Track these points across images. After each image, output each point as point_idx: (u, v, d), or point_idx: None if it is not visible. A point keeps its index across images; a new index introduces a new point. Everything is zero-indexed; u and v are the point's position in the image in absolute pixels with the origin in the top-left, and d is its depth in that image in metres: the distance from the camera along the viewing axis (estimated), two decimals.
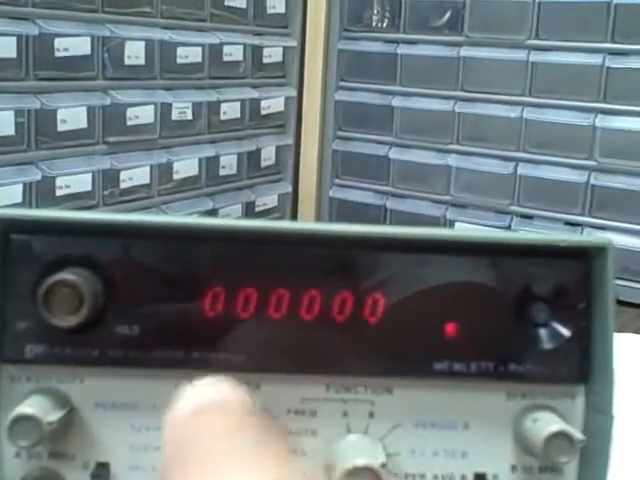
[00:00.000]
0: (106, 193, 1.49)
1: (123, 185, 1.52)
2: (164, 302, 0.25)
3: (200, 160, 1.69)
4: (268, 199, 1.91)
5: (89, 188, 1.45)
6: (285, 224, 0.26)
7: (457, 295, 0.26)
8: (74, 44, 1.38)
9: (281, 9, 1.84)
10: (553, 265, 0.26)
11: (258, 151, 1.85)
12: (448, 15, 1.75)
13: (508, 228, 1.71)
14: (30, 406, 0.24)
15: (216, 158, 1.73)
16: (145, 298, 0.25)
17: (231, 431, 0.20)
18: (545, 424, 0.25)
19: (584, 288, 0.26)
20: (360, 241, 0.26)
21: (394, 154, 1.85)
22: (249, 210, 1.84)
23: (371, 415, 0.26)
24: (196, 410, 0.21)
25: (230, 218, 1.75)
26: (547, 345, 0.26)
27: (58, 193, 1.39)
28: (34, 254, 0.25)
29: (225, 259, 0.26)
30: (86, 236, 0.25)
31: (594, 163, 1.61)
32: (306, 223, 0.25)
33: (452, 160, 1.77)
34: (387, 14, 1.84)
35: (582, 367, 0.26)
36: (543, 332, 0.26)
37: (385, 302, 0.26)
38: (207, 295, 0.25)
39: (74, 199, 1.42)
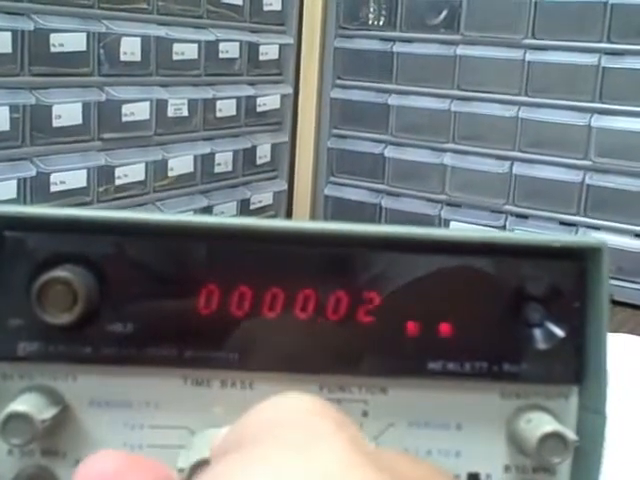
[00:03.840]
0: (101, 190, 1.49)
1: (118, 182, 1.52)
2: (158, 300, 0.25)
3: (195, 157, 1.69)
4: (263, 197, 1.91)
5: (84, 184, 1.44)
6: (280, 223, 0.26)
7: (451, 295, 0.26)
8: (70, 40, 1.37)
9: (277, 6, 1.84)
10: (547, 266, 0.26)
11: (253, 148, 1.85)
12: (444, 14, 1.75)
13: (503, 227, 1.71)
14: (23, 404, 0.24)
15: (211, 155, 1.73)
16: (139, 296, 0.25)
17: (311, 414, 0.20)
18: (539, 424, 0.25)
19: (578, 289, 0.26)
20: (355, 240, 0.26)
21: (390, 152, 1.85)
22: (244, 207, 1.84)
23: (365, 414, 0.26)
24: (275, 400, 0.21)
25: (225, 216, 1.75)
26: (541, 345, 0.26)
27: (53, 189, 1.39)
28: (28, 251, 0.25)
29: (220, 257, 0.25)
30: (80, 233, 0.25)
31: (589, 163, 1.61)
32: (301, 222, 0.25)
33: (447, 159, 1.77)
34: (383, 12, 1.84)
35: (576, 368, 0.26)
36: (537, 332, 0.26)
37: (379, 302, 0.26)
38: (201, 293, 0.25)
39: (69, 195, 1.42)
